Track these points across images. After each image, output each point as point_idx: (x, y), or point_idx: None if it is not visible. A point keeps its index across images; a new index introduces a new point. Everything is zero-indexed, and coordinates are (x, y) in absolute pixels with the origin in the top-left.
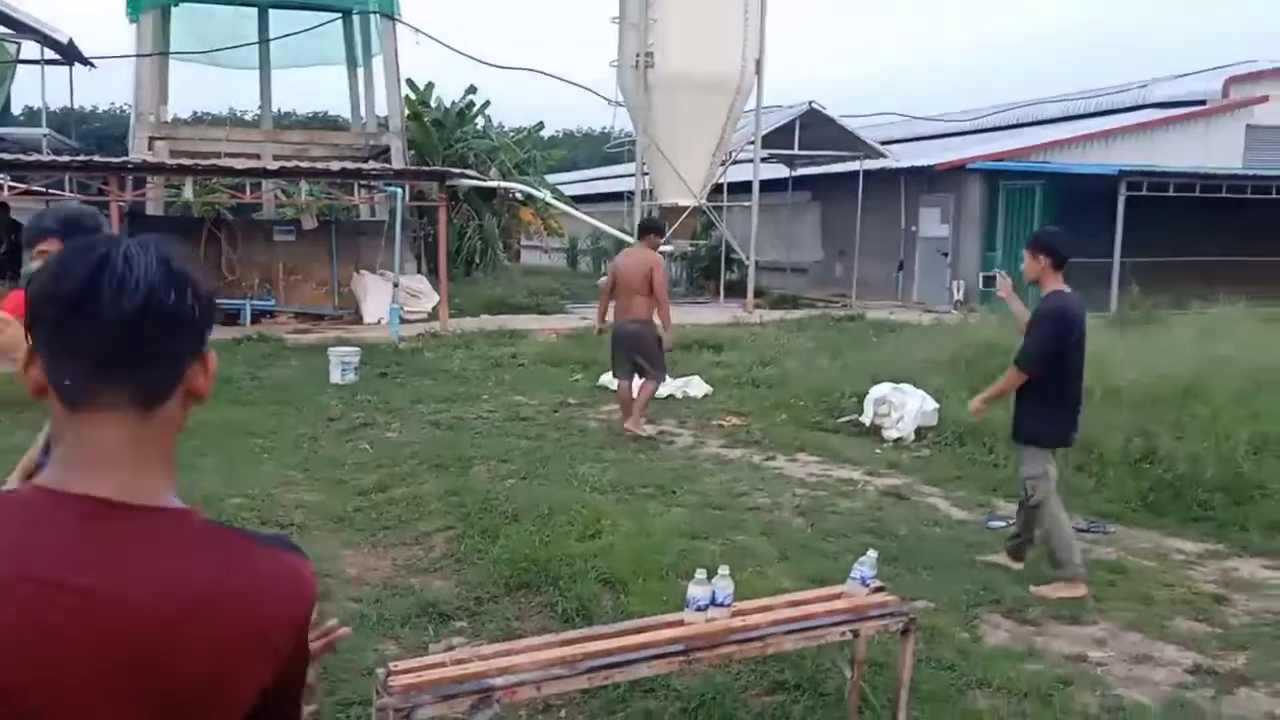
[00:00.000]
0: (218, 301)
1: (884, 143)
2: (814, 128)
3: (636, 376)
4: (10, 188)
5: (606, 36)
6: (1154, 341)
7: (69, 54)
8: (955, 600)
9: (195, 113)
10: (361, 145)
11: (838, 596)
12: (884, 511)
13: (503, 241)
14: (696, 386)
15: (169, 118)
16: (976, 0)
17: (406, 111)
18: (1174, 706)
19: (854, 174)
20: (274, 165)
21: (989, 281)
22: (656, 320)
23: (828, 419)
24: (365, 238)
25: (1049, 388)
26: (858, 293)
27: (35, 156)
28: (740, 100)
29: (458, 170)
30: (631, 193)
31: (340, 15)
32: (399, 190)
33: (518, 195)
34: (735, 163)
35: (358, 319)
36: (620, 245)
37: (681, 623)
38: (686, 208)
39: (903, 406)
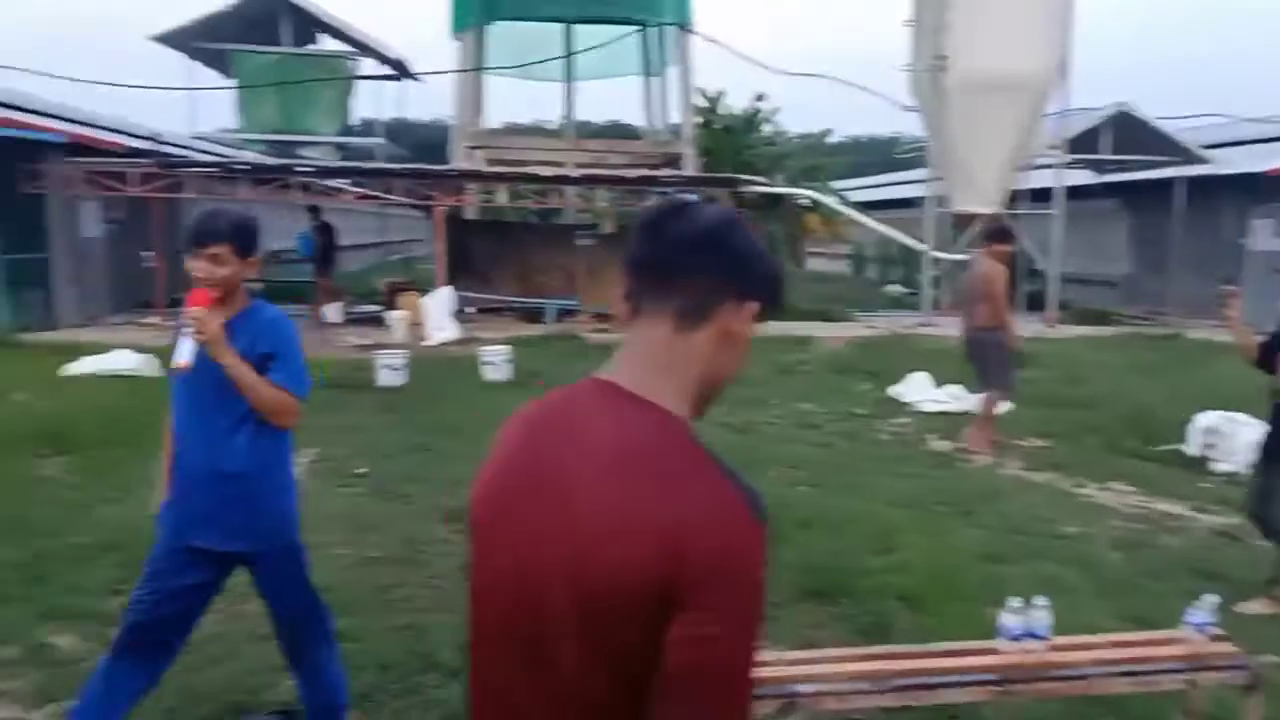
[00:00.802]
0: (532, 300)
1: (1205, 146)
2: (1124, 130)
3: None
4: (352, 193)
5: (896, 40)
6: None
7: (400, 70)
8: None
9: (505, 124)
10: (655, 153)
11: (1170, 641)
12: (1215, 552)
13: (789, 247)
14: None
15: (486, 127)
16: None
17: (698, 120)
18: None
19: (1169, 181)
20: (577, 173)
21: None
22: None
23: (1143, 446)
24: None
25: None
26: (1174, 310)
27: (373, 164)
28: (1042, 102)
29: (746, 177)
30: (922, 199)
31: (639, 28)
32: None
33: (804, 201)
34: (1036, 168)
35: None
36: (908, 252)
37: (994, 651)
38: (982, 215)
39: (1235, 437)
